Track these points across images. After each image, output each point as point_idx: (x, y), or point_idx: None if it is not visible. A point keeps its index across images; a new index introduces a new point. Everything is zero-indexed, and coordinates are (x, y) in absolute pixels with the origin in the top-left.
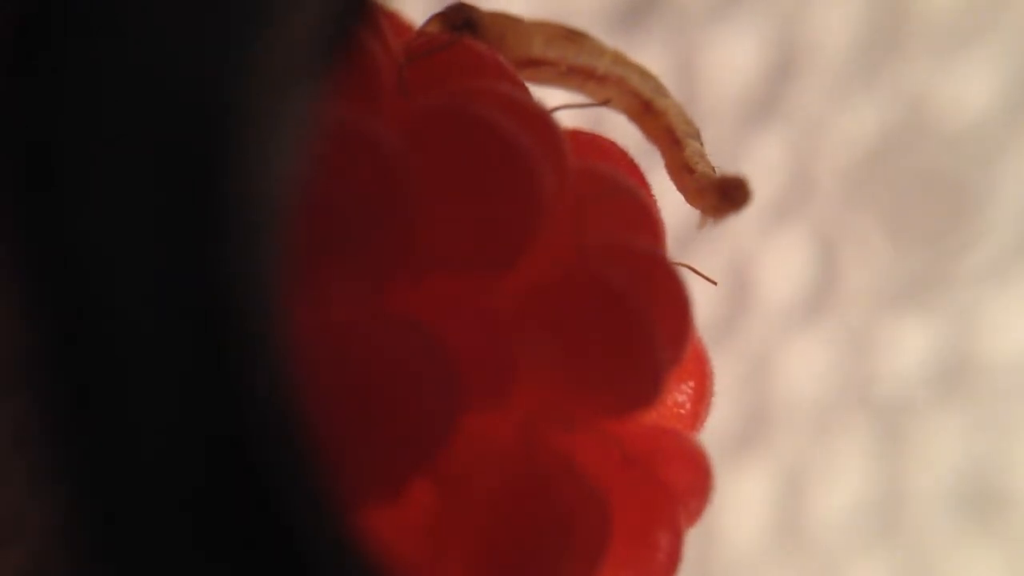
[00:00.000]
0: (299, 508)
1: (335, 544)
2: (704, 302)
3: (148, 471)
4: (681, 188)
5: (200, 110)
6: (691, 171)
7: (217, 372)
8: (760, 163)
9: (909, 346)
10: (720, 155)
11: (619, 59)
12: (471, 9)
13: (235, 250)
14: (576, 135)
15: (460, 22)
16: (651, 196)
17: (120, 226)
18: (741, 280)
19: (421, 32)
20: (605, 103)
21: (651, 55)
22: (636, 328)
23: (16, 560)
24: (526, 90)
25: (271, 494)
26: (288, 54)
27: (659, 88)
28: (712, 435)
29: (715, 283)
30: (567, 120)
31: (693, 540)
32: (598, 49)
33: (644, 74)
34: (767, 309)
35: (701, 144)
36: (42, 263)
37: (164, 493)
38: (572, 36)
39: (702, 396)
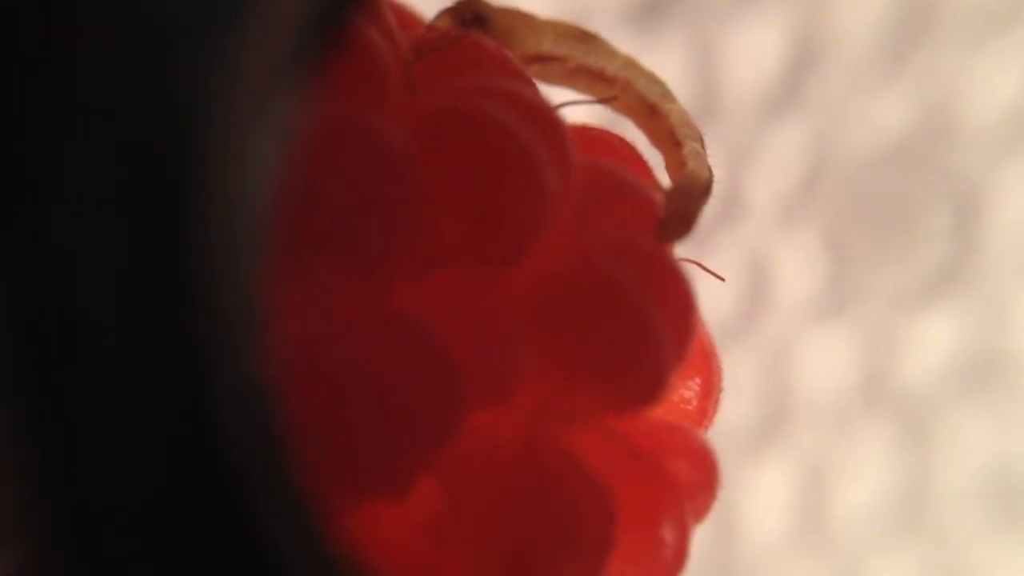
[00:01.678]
0: (272, 520)
1: (311, 556)
2: (724, 297)
3: (116, 480)
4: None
5: (173, 111)
6: (684, 165)
7: (183, 380)
8: (779, 156)
9: (932, 341)
10: (739, 149)
11: (629, 63)
12: (481, 4)
13: (209, 254)
14: (583, 131)
15: (470, 17)
16: (658, 192)
17: (90, 232)
18: (760, 274)
19: (431, 27)
20: (611, 99)
21: (671, 46)
22: (639, 325)
23: (15, 559)
24: (533, 86)
25: (241, 505)
26: (270, 48)
27: (666, 93)
28: (733, 430)
29: (723, 279)
30: (579, 116)
31: (714, 536)
32: (608, 51)
33: (652, 79)
34: (787, 303)
35: (702, 147)
36: (12, 270)
37: (130, 503)
38: (583, 37)
39: (709, 392)
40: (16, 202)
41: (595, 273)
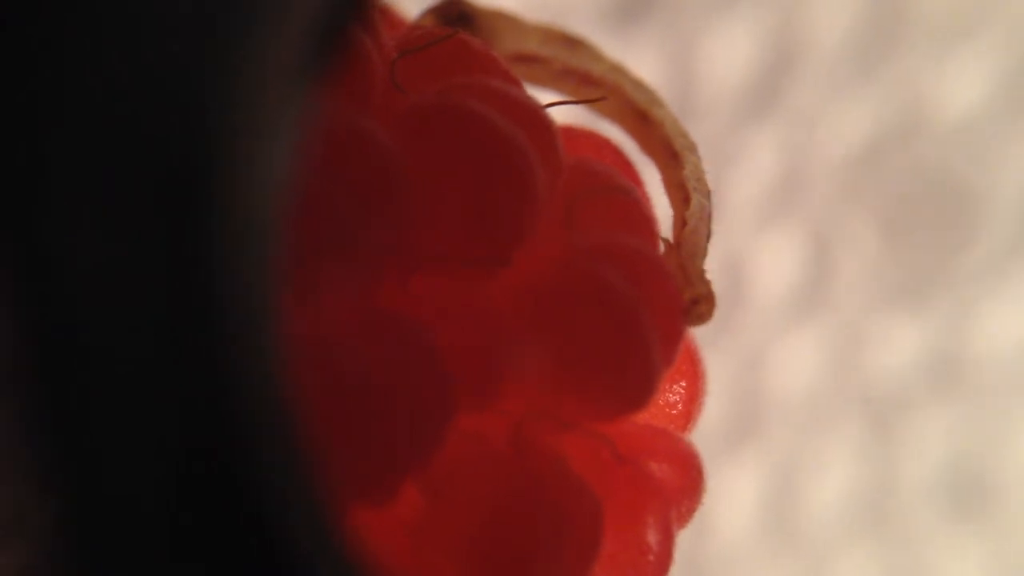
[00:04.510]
0: (282, 512)
1: (320, 548)
2: None
3: (129, 473)
4: (676, 211)
5: (187, 118)
6: (687, 198)
7: (203, 376)
8: (755, 158)
9: (900, 342)
10: (715, 151)
11: (616, 67)
12: (466, 4)
13: (223, 255)
14: (570, 131)
15: (454, 16)
16: (645, 194)
17: (106, 235)
18: (735, 276)
19: (415, 26)
20: (599, 100)
21: (647, 49)
22: (628, 329)
23: (14, 559)
24: (520, 85)
25: (252, 496)
26: (279, 57)
27: (654, 99)
28: (704, 430)
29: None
30: (563, 117)
31: (684, 534)
32: (595, 55)
33: (640, 84)
34: (760, 305)
35: (698, 158)
36: (26, 275)
37: (144, 494)
38: (569, 41)
39: (694, 396)
40: (28, 212)
41: (583, 275)
